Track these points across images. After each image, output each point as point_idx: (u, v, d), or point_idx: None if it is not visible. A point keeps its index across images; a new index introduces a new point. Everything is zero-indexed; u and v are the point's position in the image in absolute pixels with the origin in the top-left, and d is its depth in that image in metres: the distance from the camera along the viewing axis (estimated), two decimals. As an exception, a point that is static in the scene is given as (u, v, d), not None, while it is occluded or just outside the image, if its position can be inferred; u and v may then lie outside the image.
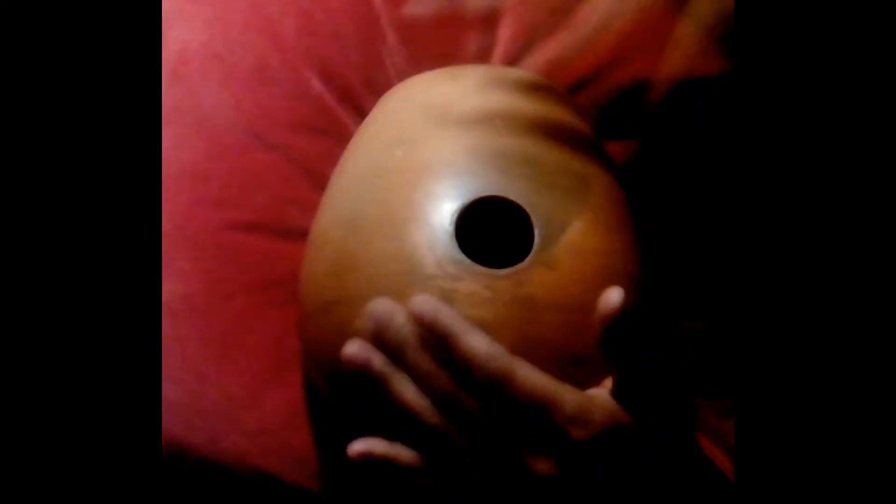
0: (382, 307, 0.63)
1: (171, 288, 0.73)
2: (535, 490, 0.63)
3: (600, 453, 0.63)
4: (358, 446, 0.63)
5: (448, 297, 0.63)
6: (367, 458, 0.63)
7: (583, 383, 0.64)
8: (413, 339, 0.63)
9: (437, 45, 0.77)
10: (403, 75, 0.75)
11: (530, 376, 0.62)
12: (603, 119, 0.74)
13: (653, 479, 0.65)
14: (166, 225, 0.74)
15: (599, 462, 0.63)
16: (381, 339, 0.63)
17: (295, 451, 0.73)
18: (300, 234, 0.73)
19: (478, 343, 0.62)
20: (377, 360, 0.63)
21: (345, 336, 0.65)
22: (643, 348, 0.63)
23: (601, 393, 0.64)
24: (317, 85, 0.78)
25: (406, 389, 0.63)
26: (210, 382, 0.73)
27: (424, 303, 0.63)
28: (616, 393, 0.64)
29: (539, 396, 0.62)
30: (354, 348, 0.63)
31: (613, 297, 0.62)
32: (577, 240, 0.65)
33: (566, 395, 0.62)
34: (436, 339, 0.62)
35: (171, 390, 0.72)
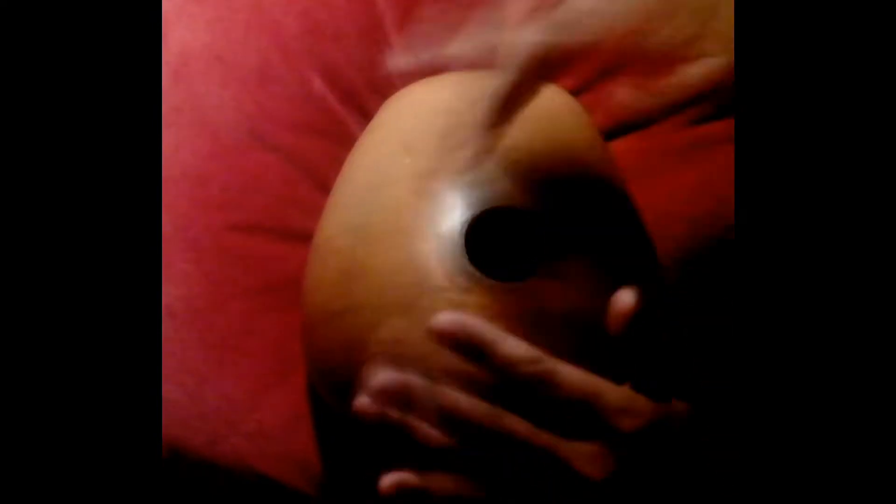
0: (386, 376, 0.62)
1: (172, 290, 0.73)
2: (586, 492, 0.63)
3: (650, 443, 0.63)
4: (389, 479, 0.62)
5: (458, 310, 0.62)
6: (401, 491, 0.61)
7: None
8: (429, 383, 0.62)
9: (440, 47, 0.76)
10: (406, 77, 0.75)
11: (572, 373, 0.62)
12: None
13: (686, 468, 0.65)
14: (167, 227, 0.74)
15: (650, 452, 0.63)
16: (402, 394, 0.61)
17: (294, 455, 0.73)
18: (302, 236, 0.73)
19: (515, 348, 0.61)
20: (392, 409, 0.62)
21: (352, 345, 0.64)
22: (657, 349, 0.63)
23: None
24: (319, 86, 0.78)
25: (432, 430, 0.62)
26: (210, 384, 0.73)
27: (449, 318, 0.61)
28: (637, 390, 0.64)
29: (584, 392, 0.62)
30: (365, 402, 0.62)
31: (627, 297, 0.62)
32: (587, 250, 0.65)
33: (609, 387, 0.62)
34: (468, 351, 0.61)
35: (171, 392, 0.72)
